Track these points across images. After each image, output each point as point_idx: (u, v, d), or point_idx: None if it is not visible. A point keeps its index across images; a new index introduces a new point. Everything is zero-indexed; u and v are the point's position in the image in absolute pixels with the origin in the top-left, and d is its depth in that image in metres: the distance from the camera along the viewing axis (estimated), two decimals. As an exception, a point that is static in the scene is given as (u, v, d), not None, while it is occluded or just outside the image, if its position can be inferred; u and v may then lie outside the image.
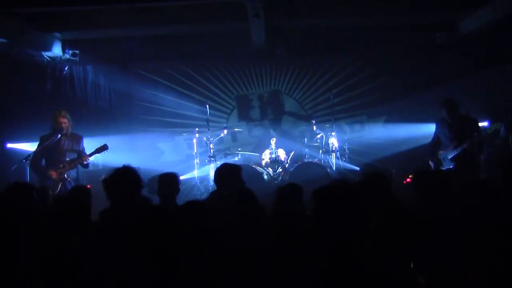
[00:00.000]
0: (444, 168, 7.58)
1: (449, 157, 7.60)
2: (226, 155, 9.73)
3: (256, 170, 8.75)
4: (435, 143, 7.93)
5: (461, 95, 9.28)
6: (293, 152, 9.39)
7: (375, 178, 4.68)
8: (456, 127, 7.62)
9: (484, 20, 9.05)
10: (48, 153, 7.55)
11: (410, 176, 8.63)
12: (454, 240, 3.68)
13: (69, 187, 7.26)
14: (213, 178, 6.66)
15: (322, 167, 8.77)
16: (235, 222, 4.16)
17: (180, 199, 5.36)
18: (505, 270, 3.28)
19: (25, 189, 4.86)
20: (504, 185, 4.04)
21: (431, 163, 7.83)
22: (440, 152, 7.79)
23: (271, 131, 9.78)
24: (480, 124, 7.93)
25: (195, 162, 9.73)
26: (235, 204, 4.43)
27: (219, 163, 8.97)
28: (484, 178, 7.39)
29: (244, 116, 11.26)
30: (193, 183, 9.65)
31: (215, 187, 5.71)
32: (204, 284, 3.17)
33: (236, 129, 10.59)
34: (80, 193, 5.17)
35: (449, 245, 3.65)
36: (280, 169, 9.14)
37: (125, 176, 4.52)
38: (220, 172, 5.58)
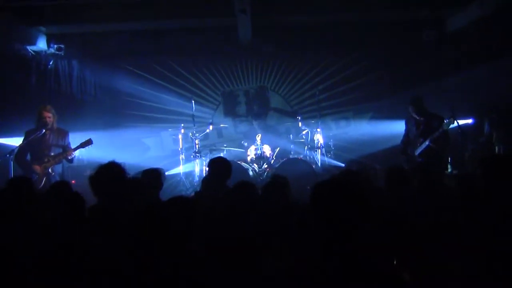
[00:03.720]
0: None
1: (416, 153, 7.67)
2: (211, 150, 9.72)
3: (241, 166, 8.73)
4: (406, 141, 7.99)
5: (447, 92, 9.36)
6: (278, 148, 9.39)
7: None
8: (422, 124, 7.68)
9: (471, 17, 9.10)
10: (33, 147, 7.49)
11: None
12: (437, 236, 3.72)
13: (54, 181, 7.20)
14: (207, 167, 6.57)
15: (307, 164, 8.78)
16: (225, 215, 4.16)
17: (165, 195, 5.33)
18: (487, 264, 3.33)
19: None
20: (484, 181, 4.10)
21: (403, 160, 7.88)
22: (409, 149, 7.86)
23: (257, 127, 9.77)
24: (465, 121, 7.98)
25: (181, 157, 9.73)
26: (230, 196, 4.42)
27: (204, 159, 9.01)
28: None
29: (230, 112, 11.27)
30: (178, 178, 9.65)
31: (202, 184, 5.67)
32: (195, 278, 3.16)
33: (221, 125, 10.57)
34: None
35: (432, 241, 3.69)
36: (265, 165, 9.14)
37: (112, 172, 4.48)
38: (214, 163, 5.55)
